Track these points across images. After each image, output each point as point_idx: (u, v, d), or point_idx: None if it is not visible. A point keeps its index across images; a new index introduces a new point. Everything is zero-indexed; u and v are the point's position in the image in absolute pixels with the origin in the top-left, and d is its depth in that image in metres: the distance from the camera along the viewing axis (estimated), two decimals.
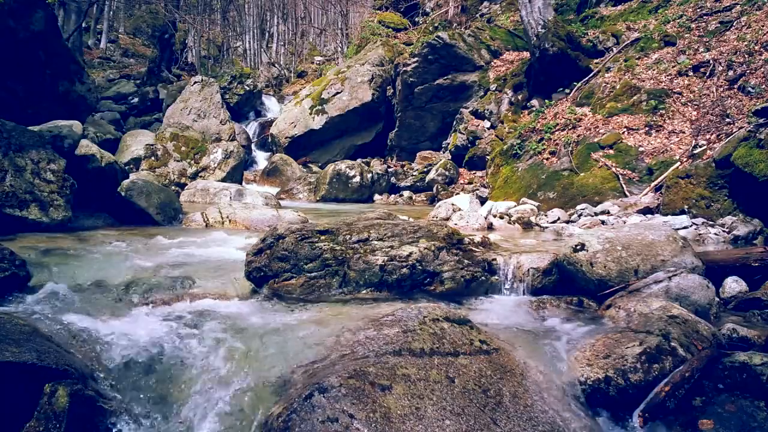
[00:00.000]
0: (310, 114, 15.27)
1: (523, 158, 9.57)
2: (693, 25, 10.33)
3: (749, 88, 7.85)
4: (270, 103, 20.54)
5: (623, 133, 8.52)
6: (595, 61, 11.08)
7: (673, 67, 9.37)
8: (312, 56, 29.45)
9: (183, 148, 11.99)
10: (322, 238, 3.65)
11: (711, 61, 8.91)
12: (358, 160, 13.33)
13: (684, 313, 2.92)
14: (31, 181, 4.97)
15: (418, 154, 13.74)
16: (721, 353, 2.63)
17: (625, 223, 6.13)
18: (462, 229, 5.65)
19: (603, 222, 6.48)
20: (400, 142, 14.80)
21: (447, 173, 12.11)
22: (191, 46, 26.83)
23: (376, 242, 3.66)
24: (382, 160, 14.80)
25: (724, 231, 5.68)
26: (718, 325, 3.05)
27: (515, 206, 7.58)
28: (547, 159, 9.05)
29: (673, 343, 2.61)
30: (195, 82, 14.64)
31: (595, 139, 8.59)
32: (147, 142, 12.01)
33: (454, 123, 13.29)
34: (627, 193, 7.50)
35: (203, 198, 9.04)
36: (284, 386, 2.26)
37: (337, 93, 15.39)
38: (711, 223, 5.96)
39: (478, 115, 12.80)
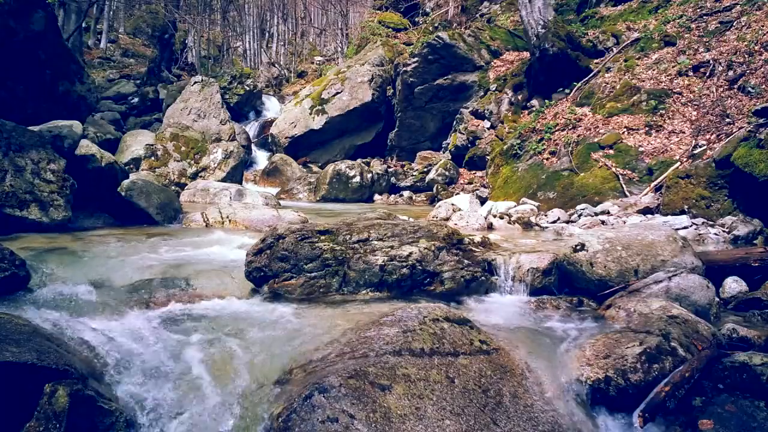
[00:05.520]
0: (310, 114, 15.28)
1: (523, 158, 9.57)
2: (693, 25, 10.33)
3: (749, 88, 7.85)
4: (270, 103, 20.54)
5: (623, 133, 8.51)
6: (595, 61, 11.08)
7: (673, 67, 9.37)
8: (312, 56, 29.46)
9: (183, 148, 11.99)
10: (322, 238, 3.65)
11: (711, 61, 8.91)
12: (358, 160, 13.33)
13: (684, 313, 2.92)
14: (31, 181, 4.97)
15: (418, 154, 13.74)
16: (721, 353, 2.63)
17: (625, 223, 6.13)
18: (462, 229, 5.64)
19: (603, 222, 6.47)
20: (400, 142, 14.80)
21: (447, 173, 12.11)
22: (191, 46, 26.82)
23: (376, 242, 3.66)
24: (382, 160, 14.79)
25: (724, 231, 5.68)
26: (718, 325, 3.05)
27: (515, 206, 7.58)
28: (547, 159, 9.05)
29: (673, 343, 2.61)
30: (195, 82, 14.63)
31: (595, 139, 8.59)
32: (147, 142, 12.01)
33: (454, 123, 13.29)
34: (627, 193, 7.50)
35: (203, 198, 9.03)
36: (284, 386, 2.26)
37: (337, 93, 15.39)
38: (711, 223, 5.96)
39: (478, 115, 12.80)
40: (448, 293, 3.57)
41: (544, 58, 10.87)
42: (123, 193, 5.99)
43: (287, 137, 15.24)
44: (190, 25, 26.62)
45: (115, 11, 27.42)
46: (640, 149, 8.06)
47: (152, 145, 11.83)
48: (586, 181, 8.02)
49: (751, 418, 2.26)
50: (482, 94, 13.26)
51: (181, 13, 27.39)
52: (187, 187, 9.74)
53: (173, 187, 9.67)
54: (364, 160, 13.81)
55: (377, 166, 13.41)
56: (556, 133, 9.37)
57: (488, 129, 12.28)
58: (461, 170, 12.32)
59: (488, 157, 10.99)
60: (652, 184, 7.39)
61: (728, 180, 6.20)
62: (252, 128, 17.65)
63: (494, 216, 6.71)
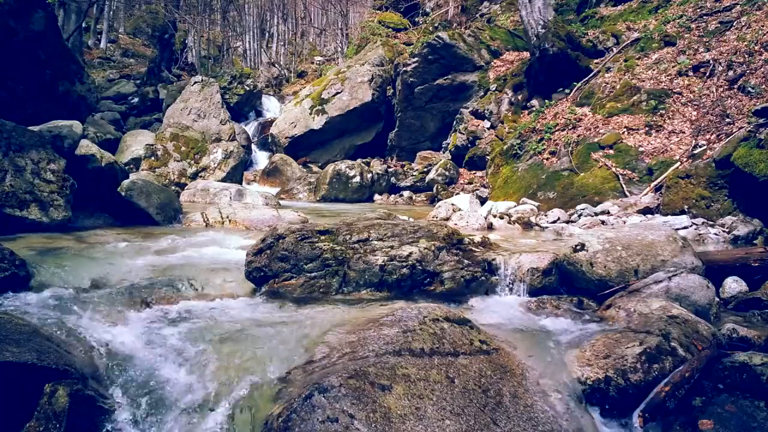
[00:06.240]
0: (310, 114, 15.28)
1: (523, 158, 9.57)
2: (693, 25, 10.33)
3: (749, 88, 7.85)
4: (270, 103, 20.53)
5: (623, 133, 8.51)
6: (595, 61, 11.08)
7: (673, 67, 9.37)
8: (312, 56, 29.46)
9: (183, 148, 11.99)
10: (322, 238, 3.65)
11: (711, 61, 8.91)
12: (358, 160, 13.34)
13: (684, 313, 2.92)
14: (31, 181, 4.97)
15: (418, 154, 13.74)
16: (721, 353, 2.63)
17: (625, 223, 6.13)
18: (462, 229, 5.64)
19: (603, 222, 6.47)
20: (400, 142, 14.80)
21: (447, 173, 12.11)
22: (191, 46, 26.81)
23: (376, 242, 3.66)
24: (382, 160, 14.79)
25: (724, 231, 5.67)
26: (718, 325, 3.05)
27: (515, 206, 7.58)
28: (547, 159, 9.05)
29: (673, 343, 2.61)
30: (195, 82, 14.63)
31: (595, 139, 8.59)
32: (147, 142, 12.01)
33: (454, 123, 13.29)
34: (627, 193, 7.50)
35: (203, 198, 9.03)
36: (284, 386, 2.26)
37: (337, 93, 15.39)
38: (711, 223, 5.96)
39: (478, 115, 12.80)
40: (448, 293, 3.57)
41: (544, 58, 10.87)
42: (123, 193, 5.98)
43: (287, 137, 15.24)
44: (190, 25, 26.61)
45: (115, 11, 27.42)
46: (640, 149, 8.06)
47: (152, 145, 11.83)
48: (586, 181, 8.02)
49: (751, 418, 2.26)
50: (482, 94, 13.26)
51: (181, 13, 27.38)
52: (187, 187, 9.74)
53: (173, 187, 9.68)
54: (364, 160, 13.81)
55: (377, 166, 13.41)
56: (556, 133, 9.36)
57: (488, 129, 12.28)
58: (461, 170, 12.32)
59: (488, 157, 10.99)
60: (652, 184, 7.39)
61: (728, 180, 6.20)
62: (252, 128, 17.65)
63: (494, 216, 6.71)
